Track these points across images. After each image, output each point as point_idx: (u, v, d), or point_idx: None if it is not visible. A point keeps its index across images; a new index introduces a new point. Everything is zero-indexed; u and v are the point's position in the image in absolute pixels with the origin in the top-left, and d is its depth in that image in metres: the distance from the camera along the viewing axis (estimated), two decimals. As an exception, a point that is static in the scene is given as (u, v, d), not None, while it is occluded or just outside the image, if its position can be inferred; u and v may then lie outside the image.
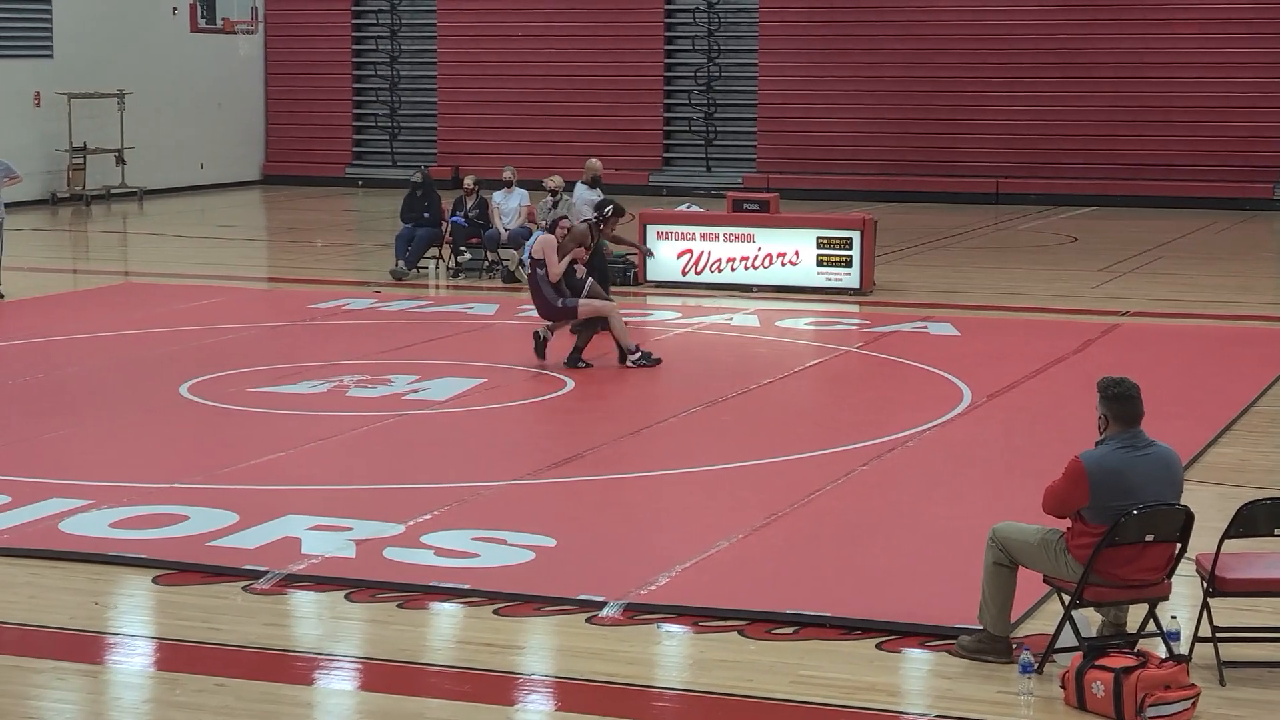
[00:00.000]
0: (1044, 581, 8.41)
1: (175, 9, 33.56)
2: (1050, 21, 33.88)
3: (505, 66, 36.88)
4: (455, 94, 37.64)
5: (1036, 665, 8.00)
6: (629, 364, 15.97)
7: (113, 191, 33.68)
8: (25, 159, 31.00)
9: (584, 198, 21.11)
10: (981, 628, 8.33)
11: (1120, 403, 8.13)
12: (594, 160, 21.84)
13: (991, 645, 8.28)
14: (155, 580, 9.52)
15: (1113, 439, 8.13)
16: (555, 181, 22.66)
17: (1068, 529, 8.18)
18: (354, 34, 38.75)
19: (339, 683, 8.21)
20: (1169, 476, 8.17)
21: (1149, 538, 8.00)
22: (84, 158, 33.04)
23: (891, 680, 8.23)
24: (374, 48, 38.76)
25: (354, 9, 38.67)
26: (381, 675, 8.22)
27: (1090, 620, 8.34)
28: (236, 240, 28.63)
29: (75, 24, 33.12)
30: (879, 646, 8.54)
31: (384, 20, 38.52)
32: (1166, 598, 8.25)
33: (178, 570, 9.64)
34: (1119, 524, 7.91)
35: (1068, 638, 8.09)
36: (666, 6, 36.65)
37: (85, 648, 8.54)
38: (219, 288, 21.63)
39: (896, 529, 10.68)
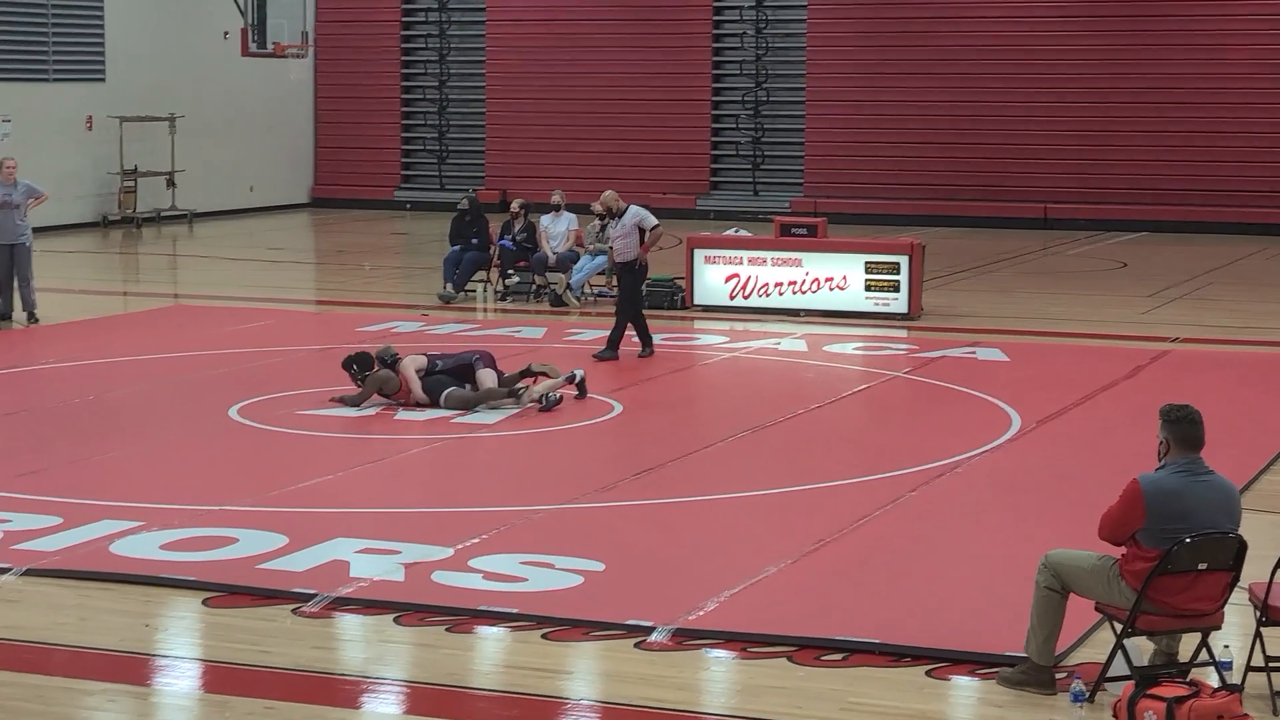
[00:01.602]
0: (1096, 609, 8.36)
1: (226, 33, 33.73)
2: (1100, 46, 33.77)
3: (553, 90, 36.97)
4: (503, 118, 37.74)
5: (1088, 694, 7.95)
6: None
7: (163, 214, 33.88)
8: (77, 182, 31.32)
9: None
10: (1026, 656, 8.28)
11: (1181, 426, 8.08)
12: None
13: (1035, 676, 8.23)
14: (205, 602, 9.55)
15: (1172, 464, 8.09)
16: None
17: (1122, 554, 8.13)
18: (403, 58, 38.92)
19: (387, 706, 8.21)
20: (1227, 506, 8.11)
21: (1202, 566, 7.95)
22: (135, 181, 33.25)
23: (940, 708, 8.19)
24: (423, 71, 38.91)
25: (403, 33, 38.85)
26: (429, 699, 8.23)
27: (1142, 649, 8.28)
28: (285, 263, 28.76)
29: (127, 48, 33.36)
30: (928, 673, 8.50)
31: (433, 44, 38.68)
32: (1219, 627, 8.19)
33: (227, 592, 9.67)
34: (1171, 552, 7.86)
35: (1119, 667, 8.04)
36: (714, 31, 36.69)
37: (135, 670, 8.57)
38: (268, 310, 21.72)
39: (945, 555, 10.63)
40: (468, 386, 15.17)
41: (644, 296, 18.94)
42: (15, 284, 20.17)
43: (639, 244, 18.20)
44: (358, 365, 15.22)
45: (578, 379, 15.54)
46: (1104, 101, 33.76)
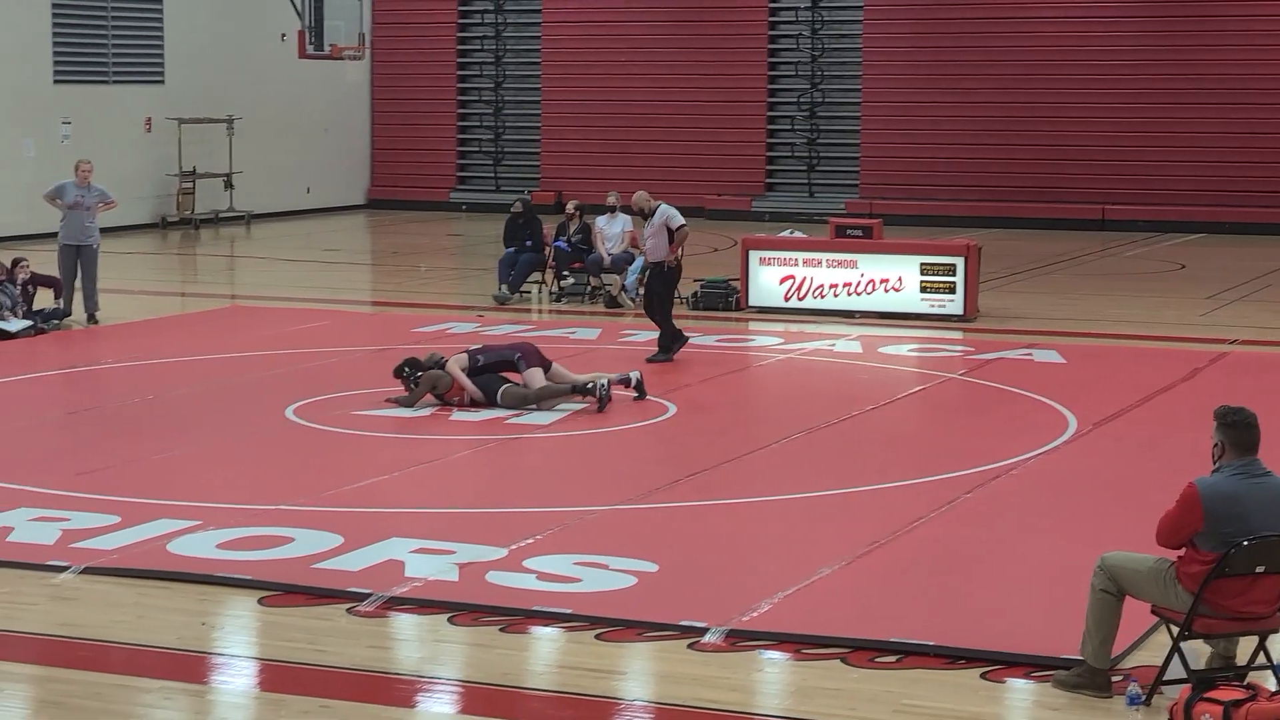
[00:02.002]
0: (1152, 612, 8.31)
1: (284, 35, 33.94)
2: (1158, 46, 33.58)
3: (609, 92, 37.01)
4: (559, 119, 37.80)
5: (1145, 697, 7.91)
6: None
7: (221, 215, 34.10)
8: (136, 183, 31.54)
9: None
10: (1082, 659, 8.25)
11: (1237, 429, 8.03)
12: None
13: (1091, 679, 8.18)
14: (261, 601, 9.60)
15: (1228, 466, 8.03)
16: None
17: (1179, 557, 8.08)
18: (459, 60, 39.04)
19: (441, 706, 8.24)
20: (1284, 509, 8.06)
21: (1259, 569, 7.89)
22: (193, 182, 33.46)
23: (995, 710, 8.16)
24: (478, 73, 39.01)
25: (459, 35, 38.96)
26: (483, 699, 8.25)
27: (1199, 652, 8.23)
28: (341, 264, 28.88)
29: (186, 51, 33.58)
30: (983, 676, 8.46)
31: (488, 46, 38.77)
32: (1277, 629, 8.13)
33: (283, 591, 9.72)
34: (1228, 555, 7.80)
35: (1176, 670, 7.99)
36: (770, 32, 36.65)
37: (192, 668, 8.63)
38: (324, 311, 21.82)
39: (1001, 558, 10.59)
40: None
41: (674, 299, 18.57)
42: (79, 284, 20.36)
43: (668, 244, 18.12)
44: (409, 368, 15.28)
45: (633, 381, 15.53)
46: (1162, 102, 33.56)
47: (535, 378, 15.15)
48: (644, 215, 18.49)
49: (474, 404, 15.11)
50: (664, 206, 18.36)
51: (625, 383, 15.47)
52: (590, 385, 15.08)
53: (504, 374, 15.28)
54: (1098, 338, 19.88)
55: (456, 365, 15.26)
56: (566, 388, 15.17)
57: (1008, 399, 16.01)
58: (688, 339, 18.18)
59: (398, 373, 15.36)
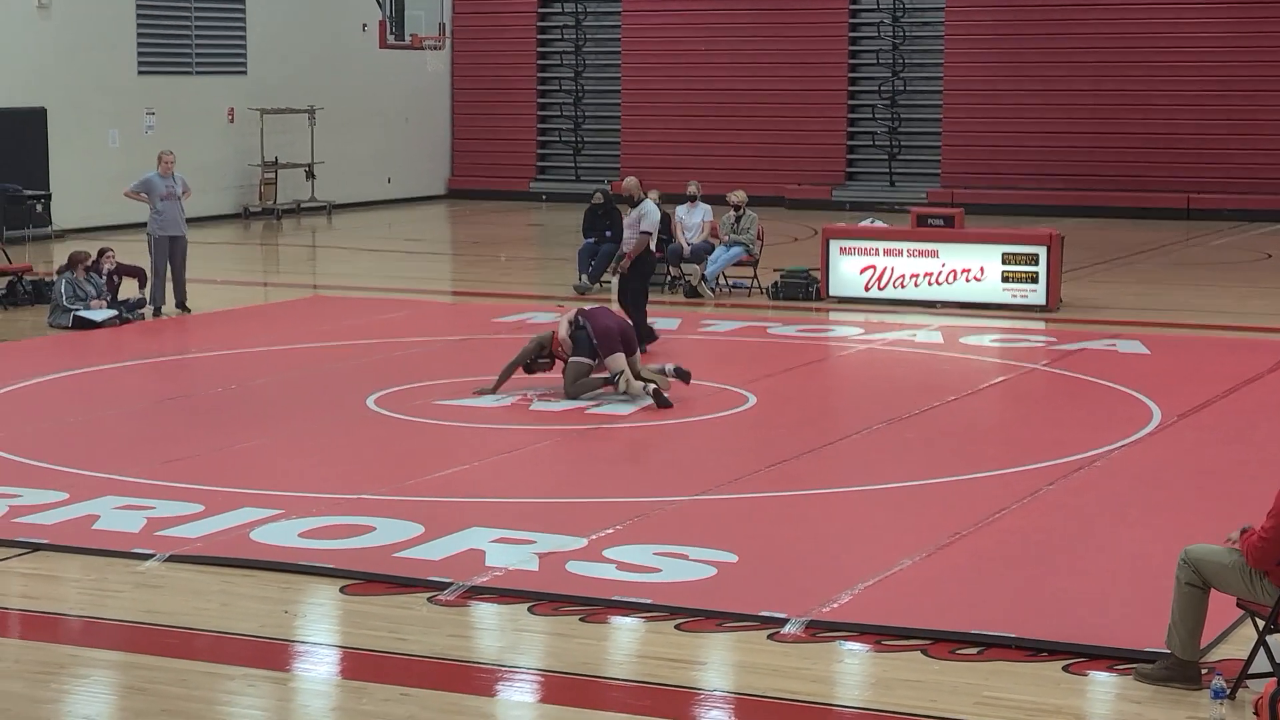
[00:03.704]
0: (1238, 605, 8.22)
1: (365, 26, 34.11)
2: (1244, 34, 33.20)
3: (689, 81, 36.97)
4: (639, 109, 37.80)
5: (1229, 691, 7.82)
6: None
7: (302, 205, 34.32)
8: (219, 174, 31.83)
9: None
10: (1169, 652, 8.17)
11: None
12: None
13: (1179, 671, 8.11)
14: (343, 590, 9.66)
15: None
16: (739, 197, 22.70)
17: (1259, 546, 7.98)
18: (539, 49, 39.11)
19: (521, 695, 8.26)
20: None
21: (1348, 563, 7.79)
22: (275, 172, 33.71)
23: (1078, 704, 8.10)
24: (559, 63, 39.07)
25: (539, 24, 39.04)
26: (563, 688, 8.26)
27: (1285, 646, 8.14)
28: (422, 254, 29.01)
29: (268, 42, 33.82)
30: (1066, 669, 8.40)
31: (569, 36, 38.82)
32: (1366, 625, 8.03)
33: (365, 580, 9.77)
34: (1317, 548, 7.71)
35: (1262, 664, 7.90)
36: (851, 20, 36.51)
37: (275, 655, 8.68)
38: (405, 301, 21.92)
39: (1084, 549, 10.50)
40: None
41: (648, 293, 18.08)
42: (169, 275, 20.56)
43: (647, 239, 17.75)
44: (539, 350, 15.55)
45: (669, 370, 15.39)
46: (1249, 89, 33.19)
47: (616, 363, 15.16)
48: (630, 203, 18.09)
49: (557, 355, 15.35)
50: (648, 203, 18.03)
51: (668, 372, 15.35)
52: (646, 386, 15.09)
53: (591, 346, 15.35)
54: (1183, 328, 19.69)
55: (564, 320, 15.56)
56: (598, 381, 15.21)
57: (1091, 390, 15.88)
58: (657, 336, 17.87)
59: (530, 367, 15.50)
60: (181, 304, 20.55)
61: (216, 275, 23.94)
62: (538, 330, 16.89)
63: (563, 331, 15.39)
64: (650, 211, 17.95)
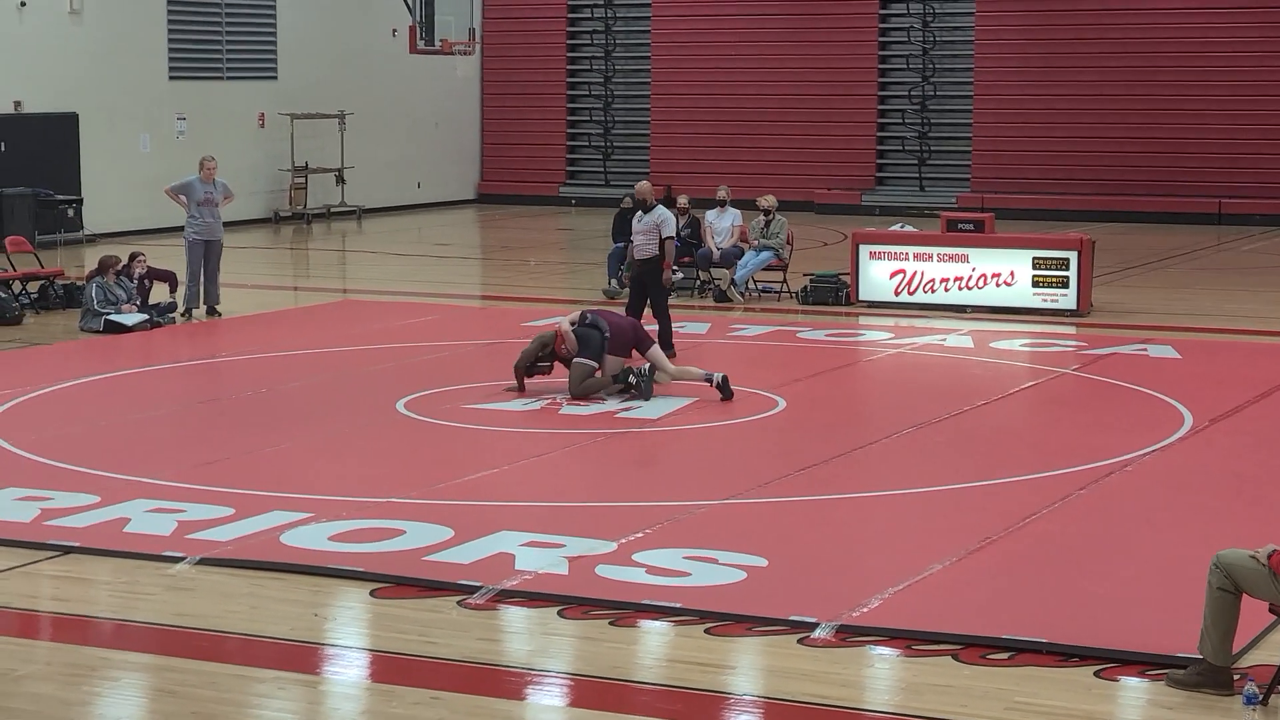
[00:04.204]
0: (1270, 611, 8.18)
1: (395, 31, 34.17)
2: (1275, 38, 33.05)
3: (718, 85, 36.96)
4: (668, 113, 37.80)
5: (1262, 697, 7.79)
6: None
7: (333, 210, 34.39)
8: (250, 178, 31.90)
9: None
10: (1200, 658, 8.13)
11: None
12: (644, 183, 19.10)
13: (1211, 677, 8.07)
14: (373, 593, 9.67)
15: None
16: (769, 201, 22.67)
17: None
18: (569, 54, 39.13)
19: (550, 698, 8.26)
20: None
21: (1382, 569, 7.75)
22: (305, 177, 33.79)
23: (1109, 709, 8.06)
24: (588, 68, 39.09)
25: (569, 29, 39.06)
26: (593, 692, 8.25)
27: (1319, 652, 8.11)
28: (452, 258, 29.04)
29: (298, 47, 33.90)
30: (1097, 674, 8.37)
31: (598, 40, 38.84)
32: (1400, 631, 7.99)
33: (394, 584, 9.78)
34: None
35: (1295, 670, 7.86)
36: (881, 25, 36.46)
37: (304, 658, 8.69)
38: (434, 305, 21.95)
39: (1115, 554, 10.47)
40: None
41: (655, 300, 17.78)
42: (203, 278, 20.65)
43: (659, 244, 17.64)
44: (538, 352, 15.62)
45: (715, 381, 15.40)
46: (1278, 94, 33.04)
47: (613, 364, 15.30)
48: (643, 209, 17.89)
49: (566, 356, 15.40)
50: (663, 209, 17.92)
51: (709, 380, 15.39)
52: (633, 379, 15.24)
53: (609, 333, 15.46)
54: (1214, 333, 19.61)
55: (566, 320, 15.65)
56: (606, 382, 15.33)
57: (1122, 394, 15.82)
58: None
59: (529, 370, 15.54)
60: (212, 307, 20.63)
61: (247, 279, 24.00)
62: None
63: (566, 328, 15.46)
64: (670, 218, 17.94)
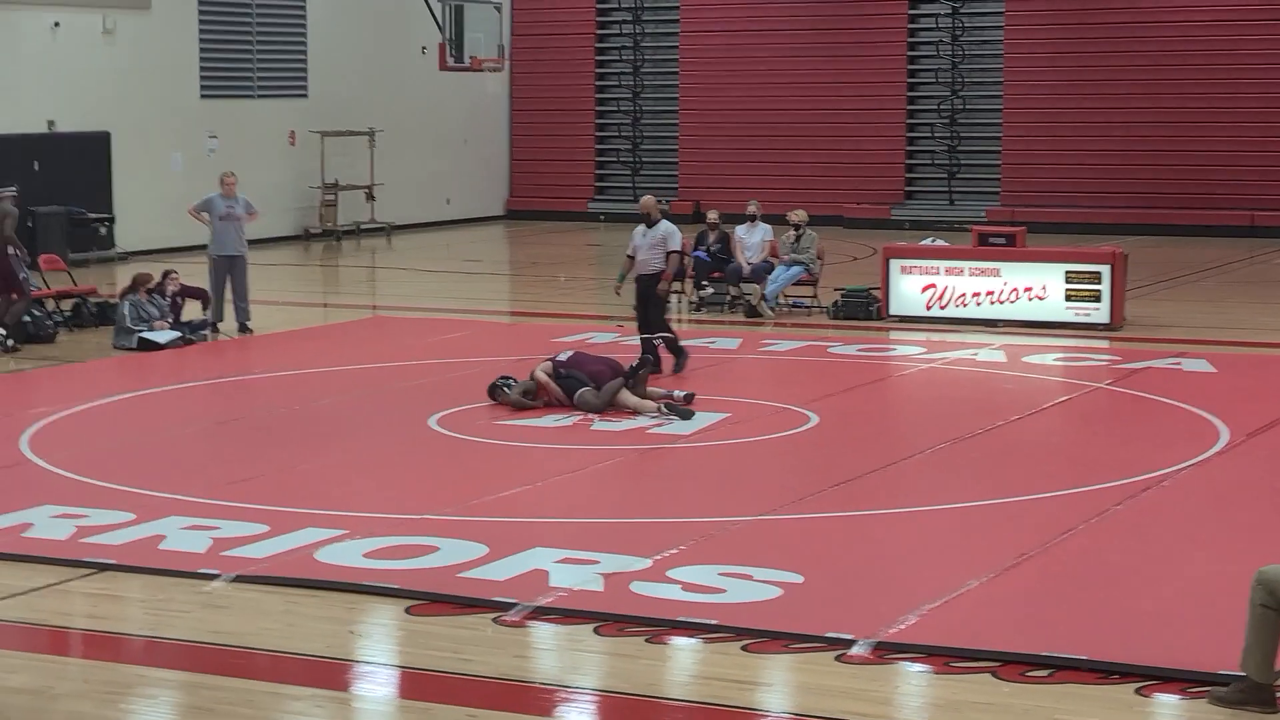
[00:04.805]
0: (1313, 627, 8.11)
1: (424, 48, 34.22)
2: (1308, 49, 32.93)
3: (747, 100, 36.94)
4: (697, 129, 37.79)
5: (1305, 715, 7.72)
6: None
7: (362, 227, 34.44)
8: (280, 195, 31.98)
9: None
10: (1244, 675, 8.06)
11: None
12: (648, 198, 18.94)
13: (1255, 694, 8.00)
14: (407, 610, 9.64)
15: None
16: (799, 216, 22.63)
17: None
18: (597, 70, 39.15)
19: (585, 716, 8.22)
20: None
21: None
22: (335, 194, 33.85)
23: (1151, 727, 8.00)
24: (617, 84, 39.10)
25: (597, 45, 39.09)
26: (628, 709, 8.22)
27: (1362, 669, 8.03)
28: (481, 274, 29.06)
29: (329, 65, 33.99)
30: (1138, 691, 8.30)
31: (627, 56, 38.85)
32: None
33: (429, 600, 9.75)
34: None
35: (1338, 687, 7.79)
36: (910, 40, 36.41)
37: (339, 675, 8.68)
38: (464, 321, 21.95)
39: (1154, 570, 10.40)
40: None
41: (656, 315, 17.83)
42: (229, 296, 20.68)
43: (664, 259, 17.66)
44: (502, 381, 15.85)
45: (677, 398, 15.46)
46: (1313, 106, 32.91)
47: (613, 388, 15.47)
48: (646, 223, 17.81)
49: (559, 402, 15.54)
50: (667, 224, 17.84)
51: (670, 398, 15.42)
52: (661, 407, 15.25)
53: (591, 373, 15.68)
54: (1249, 346, 19.51)
55: (542, 371, 15.76)
56: (616, 383, 15.43)
57: (1156, 409, 15.74)
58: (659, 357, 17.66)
59: (494, 391, 15.77)
60: (244, 325, 20.67)
61: (278, 296, 24.04)
62: (593, 348, 16.95)
63: (545, 379, 15.66)
64: (675, 232, 17.92)
